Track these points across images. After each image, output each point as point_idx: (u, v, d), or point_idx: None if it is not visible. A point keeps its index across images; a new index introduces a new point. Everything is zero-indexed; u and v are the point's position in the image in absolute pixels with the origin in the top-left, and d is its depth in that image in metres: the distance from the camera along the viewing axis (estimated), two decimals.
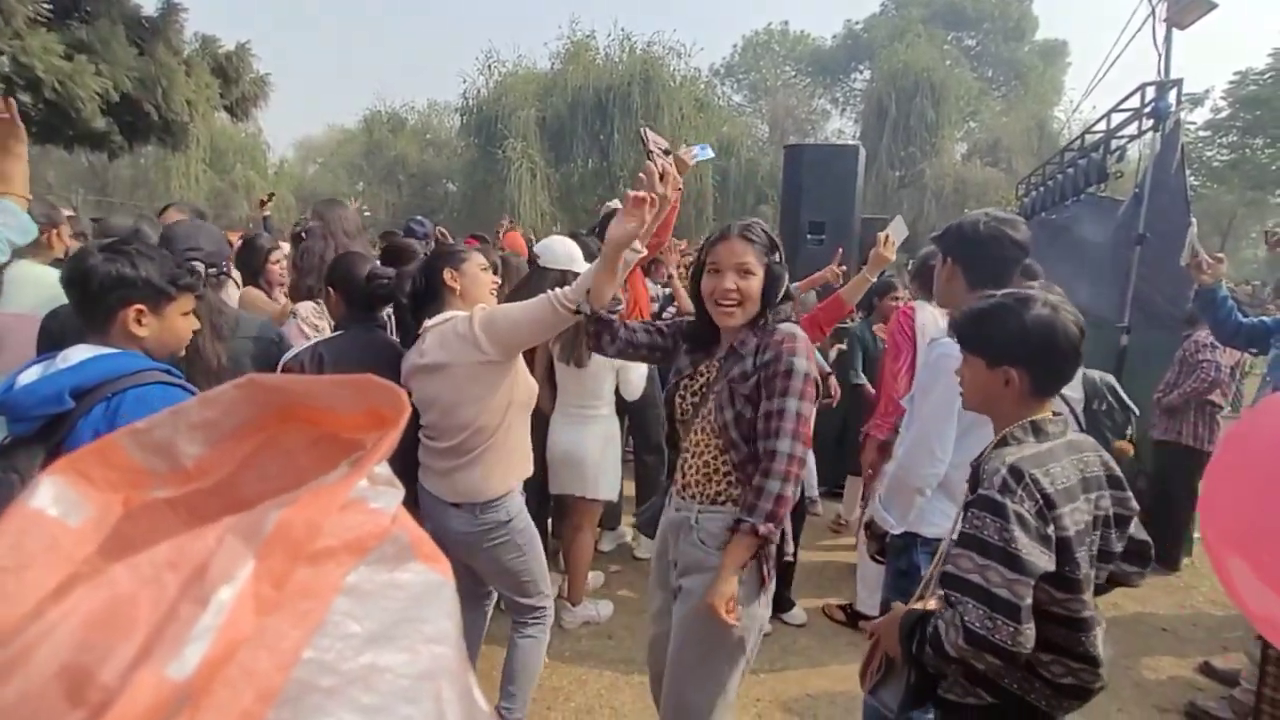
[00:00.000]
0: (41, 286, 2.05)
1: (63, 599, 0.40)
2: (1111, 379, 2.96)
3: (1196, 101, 21.00)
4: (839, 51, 31.59)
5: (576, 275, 2.01)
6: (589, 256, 2.84)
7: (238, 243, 3.21)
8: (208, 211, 5.67)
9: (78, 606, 0.39)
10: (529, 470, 2.13)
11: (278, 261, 3.15)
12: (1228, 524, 1.39)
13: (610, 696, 2.68)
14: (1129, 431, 3.08)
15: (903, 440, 1.98)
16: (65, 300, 1.46)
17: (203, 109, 9.90)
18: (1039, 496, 1.22)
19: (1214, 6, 4.42)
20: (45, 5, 7.96)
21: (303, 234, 3.05)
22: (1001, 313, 1.35)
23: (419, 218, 5.72)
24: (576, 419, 2.95)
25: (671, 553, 1.80)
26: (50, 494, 0.51)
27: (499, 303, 2.09)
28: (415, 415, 1.96)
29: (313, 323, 2.65)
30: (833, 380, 3.71)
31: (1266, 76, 20.18)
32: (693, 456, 1.74)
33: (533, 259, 3.05)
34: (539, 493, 3.03)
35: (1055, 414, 1.39)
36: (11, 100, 1.74)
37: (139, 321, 1.41)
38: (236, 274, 2.74)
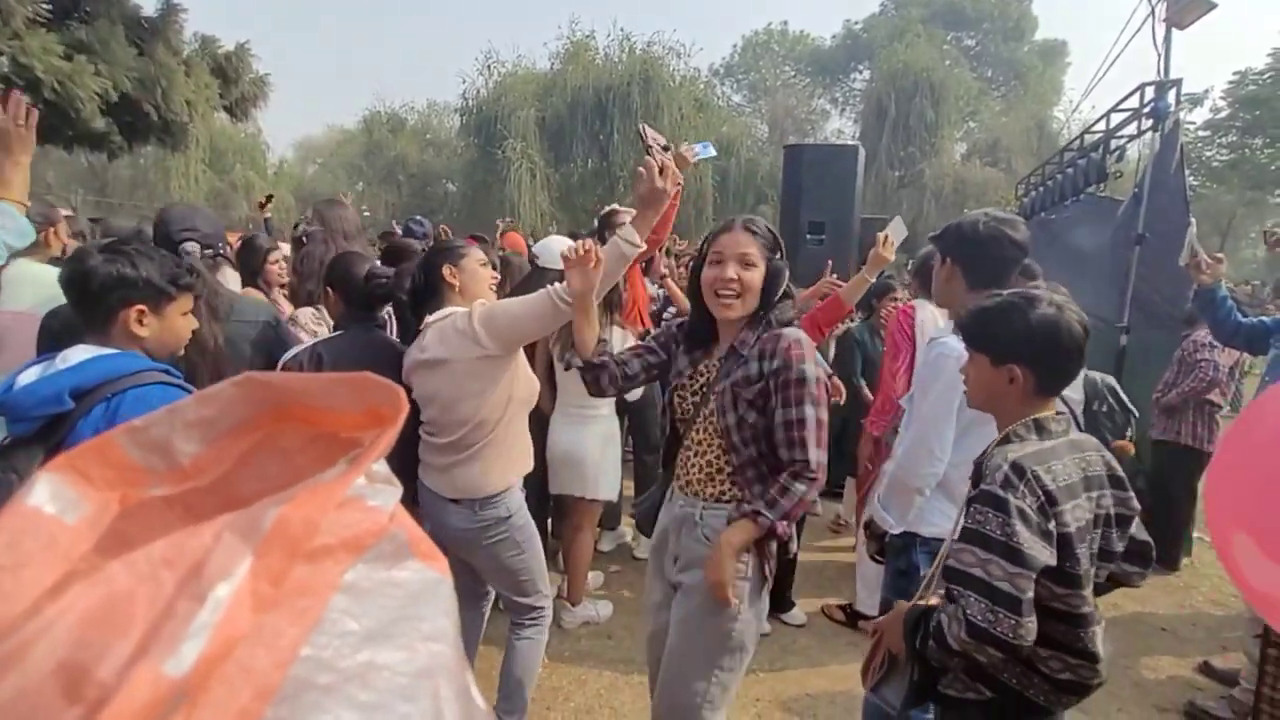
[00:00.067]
0: (40, 285, 2.05)
1: (60, 596, 0.40)
2: (1112, 380, 2.95)
3: (1196, 101, 21.03)
4: (838, 51, 31.64)
5: None
6: None
7: (236, 243, 3.20)
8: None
9: (75, 604, 0.39)
10: (529, 465, 2.12)
11: (276, 262, 3.14)
12: (1236, 501, 1.39)
13: (610, 696, 2.68)
14: (1129, 433, 3.08)
15: (902, 440, 1.98)
16: (65, 299, 1.46)
17: (202, 109, 9.92)
18: (1040, 492, 1.24)
19: (1213, 6, 4.41)
20: (45, 5, 7.96)
21: (303, 238, 3.04)
22: (1007, 311, 1.36)
23: (418, 217, 5.73)
24: (576, 419, 2.95)
25: (673, 547, 1.79)
26: (47, 491, 0.51)
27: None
28: (415, 411, 1.96)
29: (312, 329, 2.66)
30: (835, 380, 3.70)
31: (1266, 76, 20.21)
32: (695, 455, 1.74)
33: (532, 259, 3.05)
34: (539, 493, 3.03)
35: (1058, 413, 1.39)
36: (35, 111, 1.72)
37: (140, 322, 1.42)
38: (234, 274, 2.74)
